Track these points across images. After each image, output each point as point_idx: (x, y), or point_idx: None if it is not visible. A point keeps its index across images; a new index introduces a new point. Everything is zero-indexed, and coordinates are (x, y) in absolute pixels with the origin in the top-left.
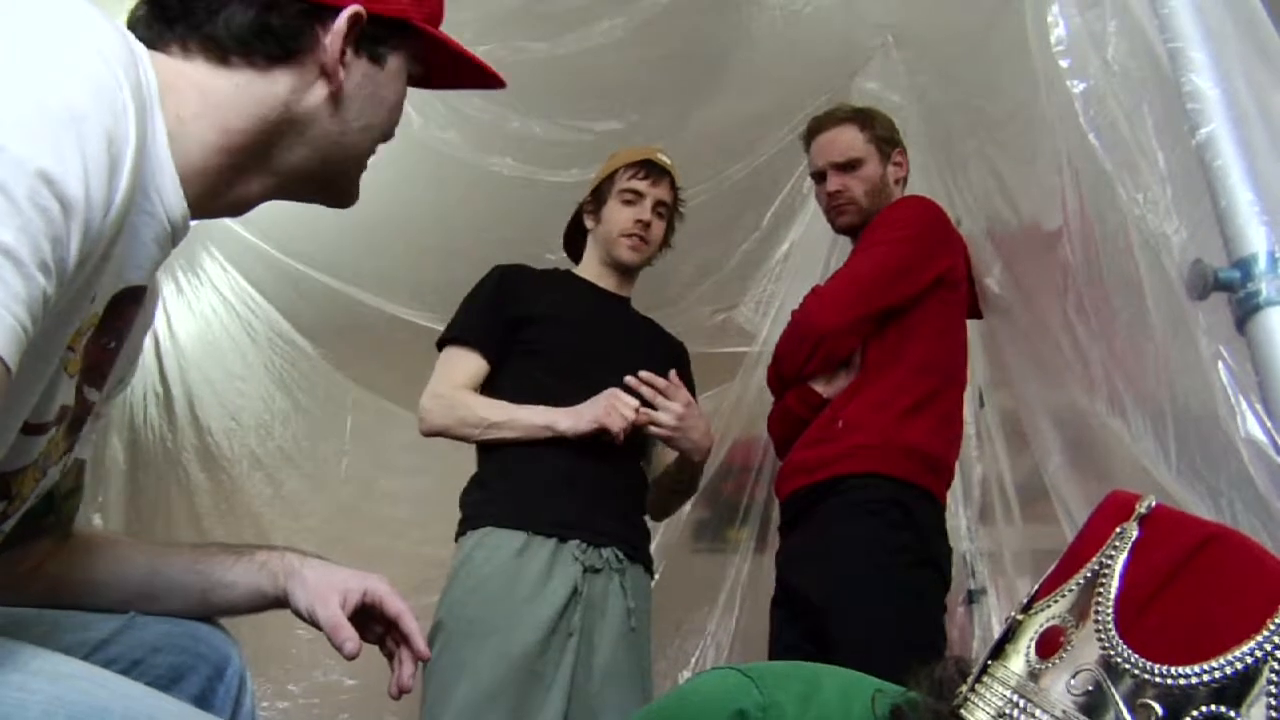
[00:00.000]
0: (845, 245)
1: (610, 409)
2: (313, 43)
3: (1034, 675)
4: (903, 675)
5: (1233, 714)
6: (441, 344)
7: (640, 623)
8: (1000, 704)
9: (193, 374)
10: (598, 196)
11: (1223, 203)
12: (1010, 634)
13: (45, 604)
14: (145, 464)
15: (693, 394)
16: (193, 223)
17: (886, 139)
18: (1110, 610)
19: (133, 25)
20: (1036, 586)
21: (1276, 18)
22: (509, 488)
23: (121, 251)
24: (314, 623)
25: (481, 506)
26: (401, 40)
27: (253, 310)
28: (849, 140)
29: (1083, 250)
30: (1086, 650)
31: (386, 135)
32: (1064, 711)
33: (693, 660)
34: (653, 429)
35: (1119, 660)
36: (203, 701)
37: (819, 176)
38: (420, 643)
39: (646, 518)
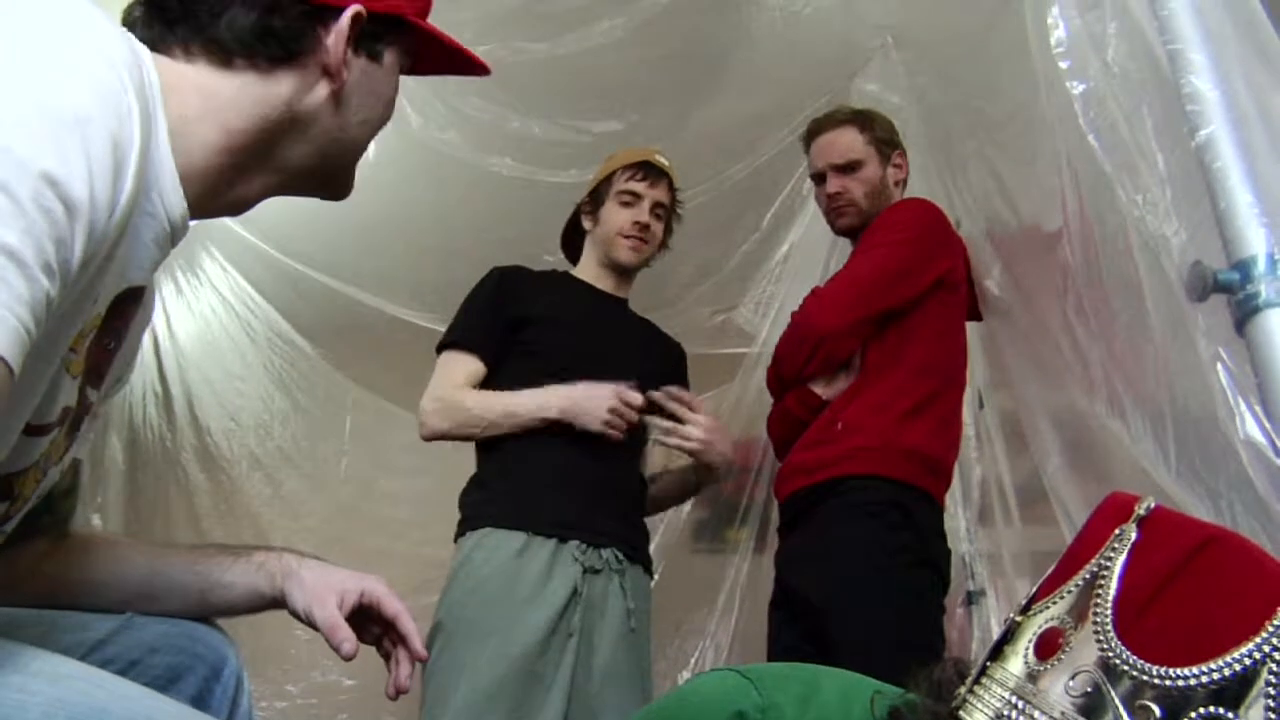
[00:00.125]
0: (845, 247)
1: (611, 423)
2: (314, 43)
3: (1032, 677)
4: (902, 677)
5: (1231, 715)
6: (440, 348)
7: (640, 623)
8: (999, 705)
9: (192, 374)
10: (595, 198)
11: (1222, 204)
12: (1009, 635)
13: (43, 604)
14: (144, 464)
15: None
16: (191, 223)
17: (886, 141)
18: (1109, 612)
19: (130, 26)
20: (1035, 588)
21: (1276, 19)
22: (508, 488)
23: (124, 253)
24: (311, 623)
25: (481, 507)
26: (396, 35)
27: (252, 310)
28: (849, 142)
29: (1082, 252)
30: (1085, 652)
31: (381, 127)
32: (1062, 713)
33: (692, 661)
34: (683, 445)
35: (1118, 662)
36: (200, 702)
37: (819, 178)
38: (417, 643)
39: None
